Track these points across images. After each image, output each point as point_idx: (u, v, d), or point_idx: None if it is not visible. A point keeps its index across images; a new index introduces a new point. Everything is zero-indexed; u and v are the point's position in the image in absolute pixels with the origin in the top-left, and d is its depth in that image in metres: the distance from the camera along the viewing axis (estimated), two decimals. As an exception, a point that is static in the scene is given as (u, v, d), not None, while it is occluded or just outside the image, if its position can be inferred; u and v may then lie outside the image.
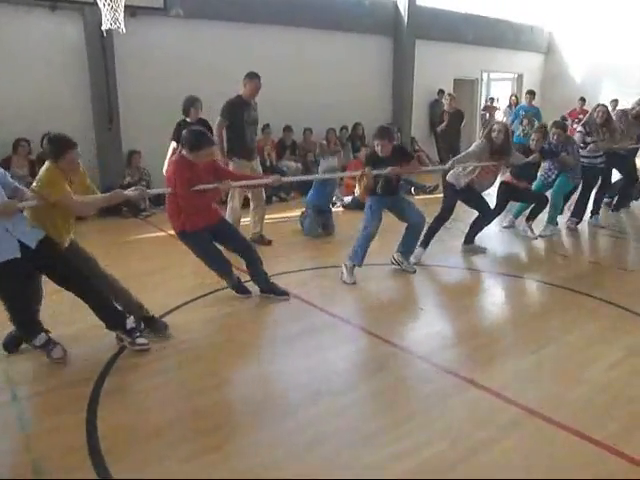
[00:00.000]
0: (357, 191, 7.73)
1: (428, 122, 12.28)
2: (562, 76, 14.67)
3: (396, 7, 11.20)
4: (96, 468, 2.40)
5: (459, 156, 5.57)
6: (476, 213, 5.69)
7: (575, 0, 14.01)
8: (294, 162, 9.36)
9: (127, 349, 3.46)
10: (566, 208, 6.92)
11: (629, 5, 12.97)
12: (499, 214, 6.08)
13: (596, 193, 6.93)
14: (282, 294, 4.40)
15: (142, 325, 3.64)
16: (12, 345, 3.50)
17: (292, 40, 9.73)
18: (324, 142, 10.05)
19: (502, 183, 6.01)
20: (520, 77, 14.77)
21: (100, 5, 6.03)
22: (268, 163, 8.63)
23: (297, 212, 6.95)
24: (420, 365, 3.34)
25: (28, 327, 3.37)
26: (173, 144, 5.96)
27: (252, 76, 5.66)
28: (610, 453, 2.49)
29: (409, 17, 11.13)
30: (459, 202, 5.60)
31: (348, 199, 7.92)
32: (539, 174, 6.45)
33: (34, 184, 3.34)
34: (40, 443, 2.61)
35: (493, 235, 6.29)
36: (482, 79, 13.93)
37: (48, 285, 3.45)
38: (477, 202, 5.58)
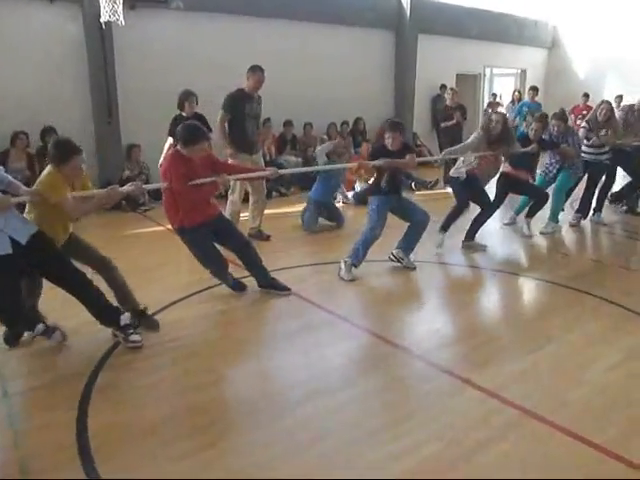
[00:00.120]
0: (357, 185, 7.75)
1: (430, 117, 12.19)
2: (566, 71, 14.55)
3: (399, 1, 11.10)
4: (85, 467, 2.36)
5: (453, 148, 5.53)
6: (477, 210, 5.66)
7: (580, -6, 13.90)
8: (294, 157, 9.30)
9: (122, 345, 3.43)
10: (568, 204, 6.86)
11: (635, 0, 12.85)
12: (498, 207, 6.00)
13: (600, 190, 6.86)
14: (283, 289, 4.36)
15: (137, 321, 3.61)
16: (13, 339, 3.47)
17: (294, 34, 9.65)
18: (325, 137, 10.00)
19: (502, 175, 5.92)
20: (524, 72, 14.65)
21: (98, -3, 5.98)
22: (268, 157, 8.57)
23: (297, 207, 6.91)
24: (418, 364, 3.30)
25: (15, 322, 3.32)
26: (169, 139, 5.92)
27: (255, 69, 5.61)
28: (608, 457, 2.44)
29: (412, 11, 11.04)
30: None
31: (350, 194, 7.88)
32: (540, 170, 6.40)
33: (35, 186, 3.31)
34: (29, 441, 2.58)
35: (494, 232, 6.23)
36: (485, 74, 13.81)
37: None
38: (479, 194, 5.54)
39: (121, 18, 6.81)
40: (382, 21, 10.97)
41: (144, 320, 3.68)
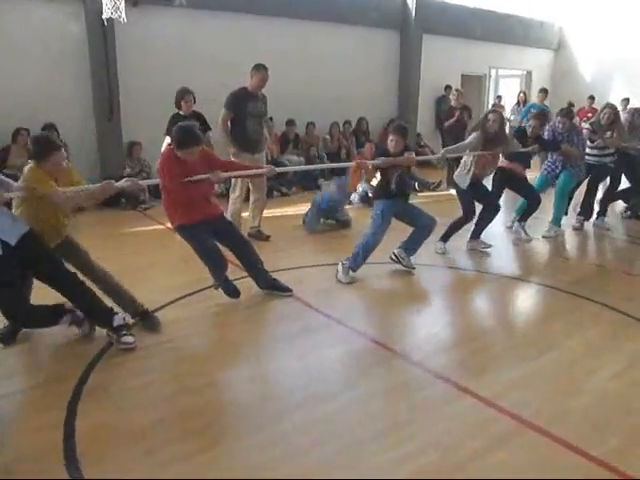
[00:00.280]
0: (360, 187, 7.67)
1: (434, 118, 12.11)
2: (572, 73, 14.45)
3: (404, 1, 11.04)
4: (69, 471, 2.32)
5: (452, 147, 5.50)
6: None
7: (587, -4, 13.80)
8: (297, 156, 9.25)
9: (111, 348, 3.38)
10: (571, 208, 6.78)
11: (642, 1, 12.74)
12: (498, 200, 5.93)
13: (603, 194, 6.79)
14: (285, 290, 4.32)
15: (132, 319, 3.59)
16: (8, 337, 3.44)
17: (297, 33, 9.61)
18: (327, 137, 9.96)
19: (498, 169, 5.82)
20: (529, 74, 14.57)
21: (100, -7, 5.95)
22: (269, 157, 8.51)
23: (298, 207, 6.86)
24: (413, 370, 3.24)
25: (16, 316, 3.28)
26: (167, 138, 5.86)
27: (259, 67, 5.57)
28: (606, 469, 2.38)
29: (417, 11, 10.97)
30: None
31: (354, 197, 7.74)
32: (543, 166, 6.32)
33: (19, 182, 3.29)
34: (14, 444, 2.53)
35: (497, 235, 6.14)
36: (490, 75, 13.74)
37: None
38: (483, 194, 5.51)
39: (123, 15, 6.79)
40: (386, 21, 10.91)
41: (146, 320, 3.66)
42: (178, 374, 3.19)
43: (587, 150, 6.25)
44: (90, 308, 3.34)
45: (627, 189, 7.25)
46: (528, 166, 5.93)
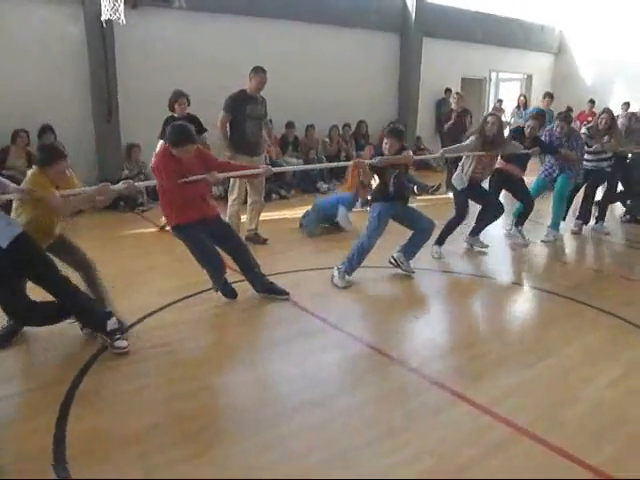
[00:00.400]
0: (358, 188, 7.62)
1: (434, 121, 12.10)
2: (572, 77, 14.45)
3: (404, 4, 11.03)
4: (58, 477, 2.30)
5: (450, 147, 5.50)
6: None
7: (588, -1, 13.80)
8: (296, 159, 9.23)
9: (105, 352, 3.36)
10: (571, 212, 6.76)
11: (642, 5, 12.74)
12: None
13: (602, 199, 6.78)
14: (282, 293, 4.29)
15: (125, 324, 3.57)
16: (3, 340, 3.43)
17: (297, 35, 9.60)
18: (327, 139, 9.94)
19: (495, 170, 5.81)
20: (529, 77, 14.57)
21: (99, -5, 5.94)
22: (267, 159, 8.49)
23: (297, 210, 6.82)
24: (409, 376, 3.21)
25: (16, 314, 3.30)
26: (160, 142, 5.83)
27: (257, 70, 5.56)
28: (602, 478, 2.36)
29: (417, 14, 10.97)
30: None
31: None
32: (541, 169, 6.31)
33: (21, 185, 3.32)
34: (4, 449, 2.50)
35: (495, 239, 6.11)
36: (490, 79, 13.73)
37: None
38: (482, 195, 5.50)
39: (122, 17, 6.77)
40: (387, 24, 10.90)
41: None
42: (172, 378, 3.17)
43: (585, 155, 6.24)
44: (83, 311, 3.32)
45: (624, 191, 7.26)
46: (524, 167, 5.91)
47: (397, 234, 4.94)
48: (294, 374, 3.23)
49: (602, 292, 4.65)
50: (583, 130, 6.57)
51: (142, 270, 4.98)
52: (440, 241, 5.42)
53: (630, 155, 6.94)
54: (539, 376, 3.25)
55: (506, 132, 6.39)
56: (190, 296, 4.30)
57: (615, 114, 6.66)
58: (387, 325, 4.05)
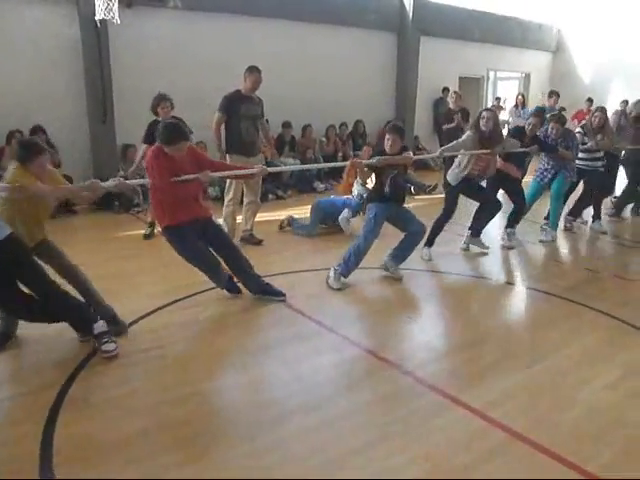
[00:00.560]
0: (355, 189, 7.59)
1: (432, 120, 12.06)
2: (571, 75, 14.41)
3: (401, 2, 10.99)
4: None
5: (448, 146, 5.45)
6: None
7: (586, -2, 13.76)
8: (292, 159, 9.18)
9: (95, 356, 3.31)
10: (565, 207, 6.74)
11: (640, 4, 12.70)
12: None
13: (597, 197, 6.77)
14: (278, 295, 4.25)
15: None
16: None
17: (294, 34, 9.56)
18: (324, 139, 9.90)
19: None
20: (527, 76, 14.53)
21: (93, -6, 5.89)
22: (263, 160, 8.45)
23: (294, 211, 6.78)
24: (404, 380, 3.15)
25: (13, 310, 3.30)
26: (143, 146, 5.79)
27: (252, 69, 5.53)
28: (600, 484, 2.32)
29: (414, 13, 10.93)
30: (460, 203, 5.47)
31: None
32: (535, 174, 6.29)
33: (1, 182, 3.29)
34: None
35: (491, 239, 6.06)
36: (488, 77, 13.69)
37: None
38: (475, 192, 5.44)
39: (116, 16, 6.73)
40: (384, 23, 10.86)
41: (113, 325, 3.60)
42: (164, 382, 3.12)
43: (579, 154, 6.23)
44: (69, 314, 3.29)
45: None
46: (523, 169, 5.87)
47: (393, 236, 4.89)
48: (288, 378, 3.19)
49: (599, 293, 4.61)
50: (577, 129, 6.56)
51: (135, 272, 4.94)
52: (429, 242, 5.35)
53: (623, 153, 6.92)
54: (535, 379, 3.21)
55: (504, 131, 6.37)
56: (182, 299, 4.25)
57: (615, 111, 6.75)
58: (382, 328, 4.00)
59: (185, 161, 3.82)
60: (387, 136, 4.64)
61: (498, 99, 13.29)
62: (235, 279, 4.30)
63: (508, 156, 5.65)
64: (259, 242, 5.77)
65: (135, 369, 3.23)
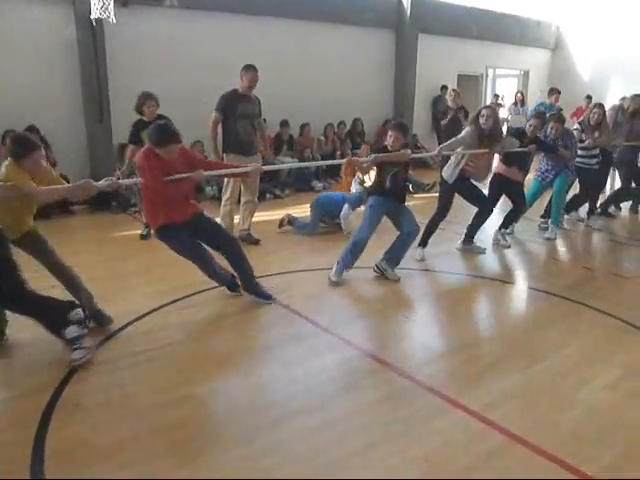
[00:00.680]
0: (354, 187, 7.56)
1: (430, 119, 12.02)
2: (570, 73, 14.36)
3: (399, 0, 10.94)
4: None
5: (446, 143, 5.39)
6: (472, 214, 5.51)
7: (584, -5, 13.71)
8: (290, 157, 9.14)
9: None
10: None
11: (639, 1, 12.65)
12: (494, 207, 5.83)
13: (592, 194, 6.76)
14: (266, 298, 4.20)
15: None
16: None
17: (291, 33, 9.51)
18: (322, 138, 9.86)
19: (495, 175, 5.81)
20: (526, 73, 14.48)
21: (89, -8, 5.84)
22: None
23: (292, 210, 6.74)
24: (402, 382, 3.12)
25: None
26: (130, 147, 5.74)
27: (248, 68, 5.49)
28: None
29: (412, 10, 10.88)
30: (456, 204, 5.42)
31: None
32: (536, 174, 6.27)
33: None
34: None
35: (489, 238, 6.02)
36: (487, 75, 13.64)
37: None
38: (472, 193, 5.38)
39: (112, 15, 6.67)
40: (382, 20, 10.81)
41: (97, 318, 3.66)
42: (159, 385, 3.08)
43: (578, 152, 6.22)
44: (40, 317, 3.23)
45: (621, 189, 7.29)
46: (526, 170, 5.83)
47: (392, 235, 4.86)
48: (285, 380, 3.15)
49: (597, 291, 4.59)
50: (575, 125, 6.54)
51: (131, 273, 4.91)
52: (423, 243, 5.31)
53: (616, 153, 6.91)
54: (534, 379, 3.18)
55: (504, 129, 6.33)
56: (179, 299, 4.21)
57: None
58: (380, 328, 3.98)
59: (177, 161, 3.78)
60: (390, 132, 4.63)
61: (496, 96, 13.23)
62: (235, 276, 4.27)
63: (511, 160, 5.62)
64: (256, 242, 5.74)
65: (130, 371, 3.19)
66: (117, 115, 7.79)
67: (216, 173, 4.36)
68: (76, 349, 3.20)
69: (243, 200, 5.82)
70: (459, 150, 5.22)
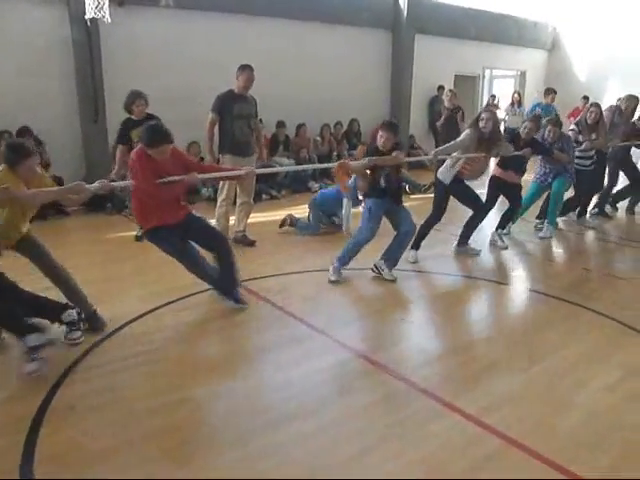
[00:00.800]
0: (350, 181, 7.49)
1: (427, 119, 12.00)
2: (567, 73, 14.36)
3: (396, 0, 10.90)
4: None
5: (443, 147, 5.35)
6: (468, 216, 5.49)
7: (581, -5, 13.71)
8: (287, 158, 9.11)
9: (82, 362, 3.24)
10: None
11: (636, 0, 12.64)
12: (491, 209, 5.84)
13: (585, 197, 6.77)
14: (239, 302, 4.09)
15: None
16: None
17: (287, 33, 9.47)
18: (318, 138, 9.83)
19: (492, 177, 5.81)
20: (523, 74, 14.48)
21: (83, -8, 5.80)
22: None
23: (287, 210, 6.70)
24: (397, 385, 3.09)
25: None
26: (119, 147, 5.70)
27: (244, 68, 5.46)
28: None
29: (408, 10, 10.85)
30: (452, 206, 5.39)
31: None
32: (535, 177, 6.26)
33: None
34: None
35: (486, 240, 5.99)
36: (484, 76, 13.64)
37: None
38: (467, 195, 5.34)
39: (107, 15, 6.64)
40: (378, 20, 10.78)
41: (92, 322, 3.64)
42: (153, 389, 3.04)
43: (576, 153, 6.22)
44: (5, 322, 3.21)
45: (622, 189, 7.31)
46: (522, 173, 5.82)
47: (389, 237, 4.83)
48: (279, 383, 3.13)
49: (594, 293, 4.57)
50: (572, 126, 6.53)
51: (126, 274, 4.86)
52: (416, 245, 5.25)
53: (610, 149, 6.90)
54: (532, 382, 3.15)
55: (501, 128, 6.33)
56: (173, 301, 4.17)
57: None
58: (376, 330, 3.95)
59: (169, 163, 3.74)
60: (380, 133, 4.60)
61: (493, 96, 13.24)
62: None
63: (506, 164, 5.62)
64: (252, 243, 5.70)
65: (123, 375, 3.15)
66: (112, 115, 7.72)
67: (209, 176, 4.33)
68: (33, 360, 3.11)
69: (239, 201, 5.79)
70: (456, 154, 5.18)
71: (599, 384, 3.12)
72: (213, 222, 5.60)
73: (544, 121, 6.18)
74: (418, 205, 7.04)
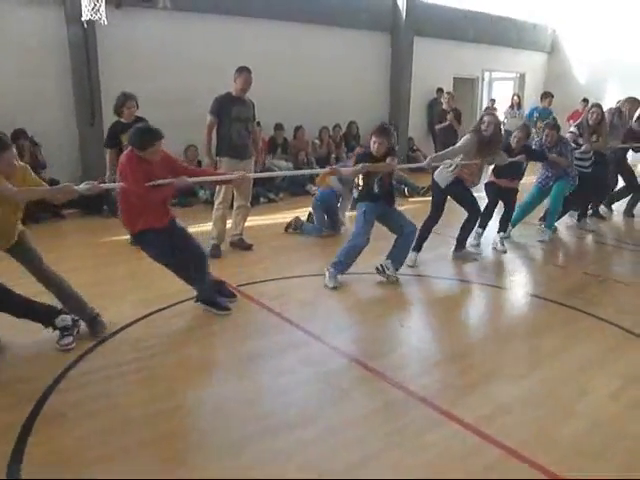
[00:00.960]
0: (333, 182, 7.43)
1: (426, 122, 11.96)
2: (566, 76, 14.34)
3: (394, 2, 10.88)
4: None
5: (440, 153, 5.30)
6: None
7: (580, -2, 13.69)
8: (285, 161, 9.06)
9: (75, 368, 3.18)
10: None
11: (635, 3, 12.62)
12: (492, 213, 5.82)
13: (585, 197, 6.73)
14: (223, 309, 4.04)
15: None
16: None
17: (286, 35, 9.43)
18: (317, 141, 9.78)
19: (488, 183, 5.81)
20: (522, 76, 14.46)
21: (80, -6, 5.75)
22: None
23: (285, 214, 6.65)
24: (395, 393, 3.03)
25: None
26: (109, 151, 5.64)
27: (242, 70, 5.40)
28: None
29: (407, 13, 10.82)
30: (449, 208, 5.34)
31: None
32: (537, 181, 6.21)
33: None
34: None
35: (487, 244, 5.93)
36: (483, 78, 13.61)
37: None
38: (464, 197, 5.28)
39: (103, 17, 6.59)
40: (377, 23, 10.75)
41: (93, 326, 3.61)
42: (147, 396, 2.98)
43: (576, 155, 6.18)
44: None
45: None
46: (519, 177, 5.79)
47: (385, 240, 4.77)
48: (277, 390, 3.07)
49: (596, 298, 4.50)
50: (572, 129, 6.49)
51: (120, 279, 4.81)
52: (417, 248, 5.19)
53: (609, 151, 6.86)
54: (532, 390, 3.09)
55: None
56: (167, 307, 4.11)
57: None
58: (373, 336, 3.87)
59: (158, 166, 3.70)
60: (373, 138, 4.55)
61: (493, 100, 13.22)
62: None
63: (500, 173, 5.65)
64: (249, 247, 5.64)
65: (116, 381, 3.09)
66: (109, 117, 7.64)
67: (200, 180, 4.29)
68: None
69: (236, 205, 5.74)
70: (449, 161, 5.12)
71: (601, 391, 3.07)
72: (210, 225, 5.56)
73: (542, 124, 6.16)
74: (415, 208, 7.00)
